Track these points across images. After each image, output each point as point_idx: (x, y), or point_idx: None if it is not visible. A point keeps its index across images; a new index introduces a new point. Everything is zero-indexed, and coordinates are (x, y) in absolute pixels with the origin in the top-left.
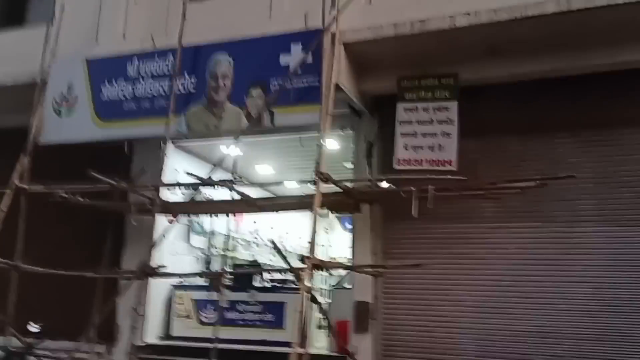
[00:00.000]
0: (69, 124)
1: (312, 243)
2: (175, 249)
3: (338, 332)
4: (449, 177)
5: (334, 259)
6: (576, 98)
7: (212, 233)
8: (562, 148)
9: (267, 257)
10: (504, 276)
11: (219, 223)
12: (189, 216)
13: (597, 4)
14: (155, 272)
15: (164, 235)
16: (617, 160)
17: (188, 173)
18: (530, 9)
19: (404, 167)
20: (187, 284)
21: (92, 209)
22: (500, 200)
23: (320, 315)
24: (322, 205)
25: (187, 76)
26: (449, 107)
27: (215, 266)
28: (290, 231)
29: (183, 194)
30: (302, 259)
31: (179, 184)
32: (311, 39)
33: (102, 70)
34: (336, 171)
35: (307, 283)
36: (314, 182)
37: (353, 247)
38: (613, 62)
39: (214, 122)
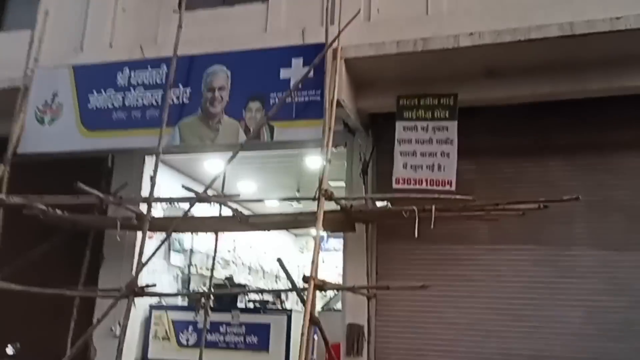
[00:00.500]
0: (52, 132)
1: (315, 263)
2: (154, 267)
3: (329, 356)
4: (455, 196)
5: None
6: (571, 122)
7: (192, 251)
8: (555, 171)
9: (245, 277)
10: (498, 299)
11: (198, 241)
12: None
13: (599, 30)
14: (143, 292)
15: (153, 253)
16: (610, 185)
17: (185, 187)
18: (533, 32)
19: (402, 187)
20: (165, 303)
21: (71, 224)
22: (496, 223)
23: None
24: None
25: (181, 87)
26: (448, 127)
27: (194, 286)
28: (268, 251)
29: (164, 209)
30: (306, 279)
31: (171, 199)
32: (312, 53)
33: (90, 78)
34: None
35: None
36: (317, 199)
37: (345, 267)
38: (610, 87)
39: (209, 135)
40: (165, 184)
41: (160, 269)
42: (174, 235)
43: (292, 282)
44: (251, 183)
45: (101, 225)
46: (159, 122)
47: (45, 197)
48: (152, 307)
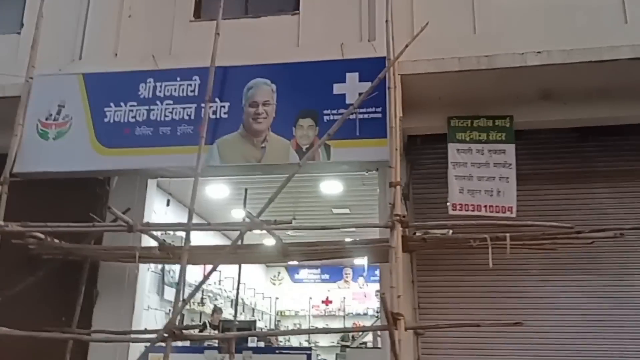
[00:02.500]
0: (58, 149)
1: (397, 297)
2: (149, 303)
3: None
4: (537, 223)
5: (283, 312)
6: (616, 147)
7: (184, 285)
8: (603, 198)
9: (228, 312)
10: (552, 332)
11: (190, 273)
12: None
13: None
14: (182, 334)
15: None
16: None
17: (249, 214)
18: (605, 53)
19: (459, 213)
20: (163, 344)
21: (64, 255)
22: (549, 252)
23: None
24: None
25: (218, 101)
26: (506, 150)
27: (187, 323)
28: (246, 283)
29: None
30: (391, 315)
31: (213, 227)
32: (369, 68)
33: (105, 88)
34: (324, 216)
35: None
36: (391, 227)
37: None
38: None
39: (254, 154)
40: (160, 211)
41: (154, 305)
42: (168, 267)
43: (388, 318)
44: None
45: (106, 256)
46: (193, 139)
47: (49, 224)
48: (147, 349)
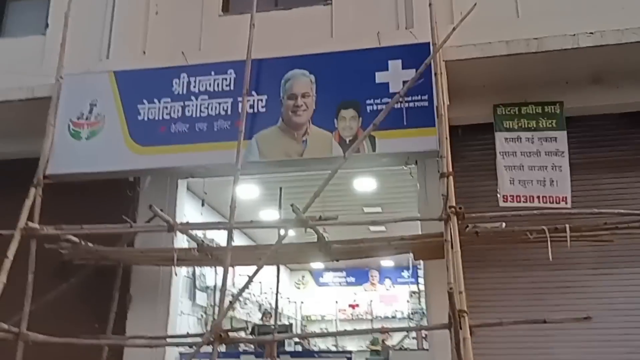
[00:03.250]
0: (91, 149)
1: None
2: (182, 308)
3: None
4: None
5: (309, 317)
6: None
7: (215, 289)
8: None
9: (256, 317)
10: (610, 329)
11: (220, 277)
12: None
13: None
14: (229, 337)
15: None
16: None
17: (295, 208)
18: None
19: (511, 204)
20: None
21: (97, 260)
22: (600, 245)
23: None
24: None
25: (255, 94)
26: (557, 138)
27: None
28: (263, 286)
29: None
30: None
31: (256, 225)
32: (412, 55)
33: (137, 85)
34: (355, 216)
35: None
36: (445, 220)
37: (428, 300)
38: None
39: (296, 149)
40: (189, 214)
41: (186, 310)
42: (199, 272)
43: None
44: (273, 212)
45: (142, 259)
46: (231, 135)
47: (84, 226)
48: (182, 355)
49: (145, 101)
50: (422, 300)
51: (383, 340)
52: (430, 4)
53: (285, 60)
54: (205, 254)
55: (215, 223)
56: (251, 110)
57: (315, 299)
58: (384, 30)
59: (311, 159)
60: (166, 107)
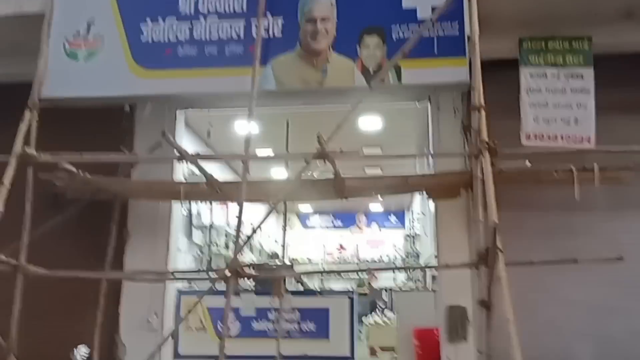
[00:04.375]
0: (90, 71)
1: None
2: (178, 246)
3: (421, 343)
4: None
5: (296, 259)
6: None
7: (212, 227)
8: None
9: (249, 257)
10: (620, 272)
11: (217, 215)
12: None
13: None
14: (245, 272)
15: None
16: None
17: (320, 139)
18: None
19: (534, 144)
20: (196, 287)
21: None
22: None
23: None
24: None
25: (269, 16)
26: (583, 75)
27: (216, 266)
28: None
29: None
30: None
31: (272, 157)
32: None
33: (139, 3)
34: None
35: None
36: (476, 155)
37: (439, 240)
38: None
39: (315, 77)
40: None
41: (183, 248)
42: (195, 208)
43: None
44: (266, 150)
45: (143, 193)
46: (245, 60)
47: (84, 154)
48: (180, 293)
49: (148, 20)
50: (417, 243)
51: (369, 283)
52: None
53: None
54: (214, 189)
55: (232, 154)
56: (266, 34)
57: (302, 242)
58: None
59: (332, 88)
60: (172, 28)
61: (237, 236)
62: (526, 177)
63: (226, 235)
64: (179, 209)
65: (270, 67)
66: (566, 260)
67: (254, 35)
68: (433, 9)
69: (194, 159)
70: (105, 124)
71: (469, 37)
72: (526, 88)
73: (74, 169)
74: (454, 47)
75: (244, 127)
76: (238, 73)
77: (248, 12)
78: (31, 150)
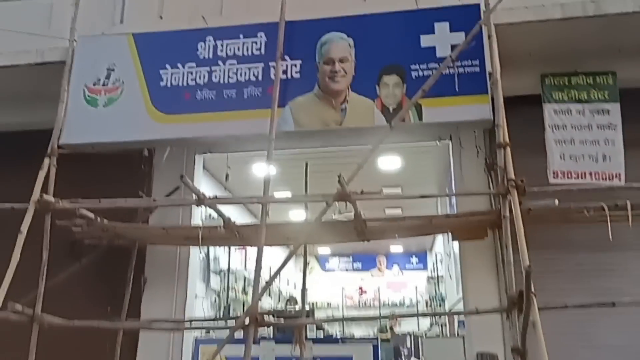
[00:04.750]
0: (110, 117)
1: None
2: (196, 292)
3: None
4: None
5: (315, 304)
6: None
7: (229, 272)
8: None
9: (267, 302)
10: None
11: (234, 260)
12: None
13: None
14: (264, 321)
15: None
16: None
17: (340, 179)
18: None
19: (562, 181)
20: (214, 336)
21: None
22: None
23: None
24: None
25: (288, 59)
26: (610, 110)
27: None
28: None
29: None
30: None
31: (289, 200)
32: (460, 16)
33: (158, 49)
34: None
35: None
36: (503, 194)
37: (465, 283)
38: None
39: (334, 117)
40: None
41: (200, 294)
42: (212, 253)
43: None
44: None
45: (161, 238)
46: (263, 102)
47: (102, 200)
48: (198, 342)
49: (167, 66)
50: (441, 285)
51: (391, 327)
52: None
53: (320, 22)
54: (232, 232)
55: (249, 197)
56: (284, 76)
57: (321, 285)
58: None
59: (351, 128)
60: (191, 73)
61: (257, 281)
62: (555, 216)
63: (244, 280)
64: (196, 254)
65: (288, 108)
66: (604, 303)
67: (272, 77)
68: (452, 47)
69: (212, 202)
70: (124, 169)
71: (490, 74)
72: (551, 125)
73: (91, 216)
74: (475, 84)
75: (263, 169)
76: (256, 115)
77: (266, 55)
78: (49, 197)
